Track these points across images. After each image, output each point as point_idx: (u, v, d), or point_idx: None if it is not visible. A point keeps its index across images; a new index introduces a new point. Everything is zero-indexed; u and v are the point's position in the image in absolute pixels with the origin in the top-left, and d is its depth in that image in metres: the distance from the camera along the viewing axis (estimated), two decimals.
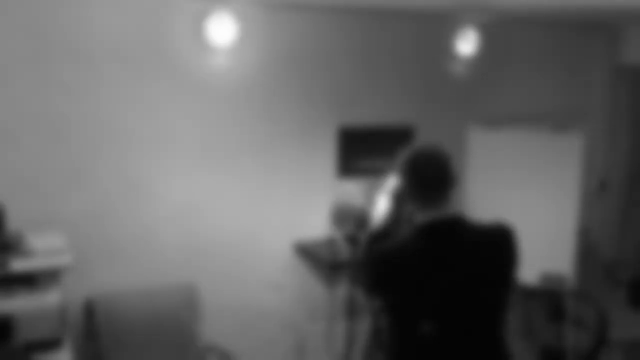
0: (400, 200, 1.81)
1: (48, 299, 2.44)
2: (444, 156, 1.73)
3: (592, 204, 4.38)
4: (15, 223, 2.71)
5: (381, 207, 1.89)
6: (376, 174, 3.62)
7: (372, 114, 3.75)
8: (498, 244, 1.76)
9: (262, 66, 3.37)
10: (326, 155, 3.63)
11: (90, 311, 2.98)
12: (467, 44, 3.96)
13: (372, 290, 1.74)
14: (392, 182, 1.88)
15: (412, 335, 1.69)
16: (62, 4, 2.84)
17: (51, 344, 2.43)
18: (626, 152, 4.74)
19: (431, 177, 1.69)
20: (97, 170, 3.02)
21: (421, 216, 1.71)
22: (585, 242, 4.08)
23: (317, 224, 3.59)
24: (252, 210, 3.44)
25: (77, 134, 2.96)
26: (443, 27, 3.92)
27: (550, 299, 4.05)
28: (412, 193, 1.72)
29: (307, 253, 3.52)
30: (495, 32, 4.08)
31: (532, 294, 4.06)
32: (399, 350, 1.74)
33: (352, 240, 2.60)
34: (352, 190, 3.43)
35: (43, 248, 2.50)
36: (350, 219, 2.55)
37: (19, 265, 2.39)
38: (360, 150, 3.69)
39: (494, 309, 1.77)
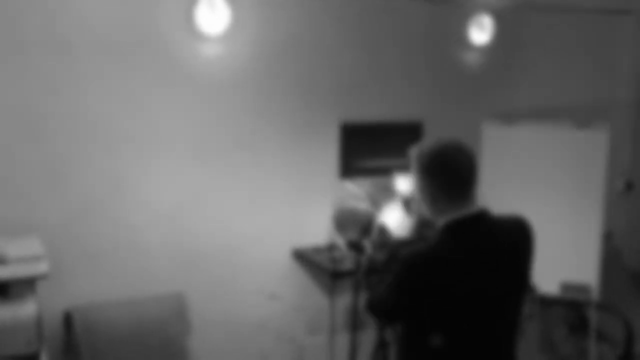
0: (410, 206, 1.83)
1: (23, 310, 2.42)
2: (470, 149, 1.75)
3: (617, 205, 4.36)
4: None
5: (393, 216, 1.91)
6: (382, 174, 3.61)
7: (377, 108, 3.74)
8: (522, 239, 1.82)
9: (257, 56, 3.36)
10: (327, 153, 3.62)
11: (68, 323, 2.97)
12: (481, 32, 3.95)
13: (397, 305, 1.74)
14: (403, 185, 1.88)
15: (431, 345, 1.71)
16: None
17: (27, 359, 2.42)
18: None
19: (464, 173, 1.71)
20: (77, 169, 3.01)
21: (445, 217, 1.73)
22: (610, 248, 4.07)
23: (317, 229, 3.58)
24: (247, 213, 3.43)
25: (55, 130, 2.95)
26: (454, 13, 3.90)
27: (571, 310, 4.04)
28: (437, 193, 1.73)
29: (306, 260, 3.52)
30: (512, 19, 4.06)
31: (552, 305, 4.05)
32: None
33: (355, 246, 2.59)
34: (356, 192, 3.42)
35: (17, 255, 2.48)
36: (355, 224, 2.53)
37: None
38: (364, 148, 3.69)
39: (516, 313, 1.82)
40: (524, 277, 1.82)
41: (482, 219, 1.75)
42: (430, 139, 1.79)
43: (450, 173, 1.71)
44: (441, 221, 1.75)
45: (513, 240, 1.79)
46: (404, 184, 1.94)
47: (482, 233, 1.73)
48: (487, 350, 1.76)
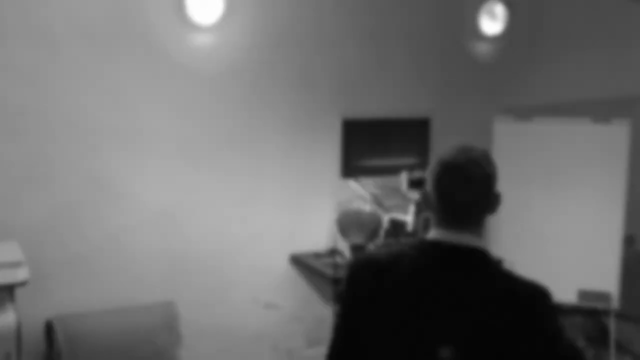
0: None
1: (1, 320, 2.41)
2: (480, 170, 1.50)
3: None
4: None
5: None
6: (387, 173, 3.60)
7: (381, 103, 3.74)
8: (522, 307, 1.47)
9: (253, 47, 3.35)
10: (328, 151, 3.62)
11: (50, 333, 2.96)
12: (493, 21, 3.95)
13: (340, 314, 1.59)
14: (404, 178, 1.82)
15: None
16: None
17: None
18: None
19: (455, 196, 1.49)
20: (58, 168, 3.00)
21: (430, 233, 1.55)
22: (631, 253, 4.06)
23: (317, 233, 3.57)
24: (241, 216, 3.42)
25: (34, 126, 2.94)
26: (464, 0, 3.90)
27: (590, 319, 4.03)
28: (431, 204, 1.55)
29: (306, 266, 3.51)
30: (526, 7, 4.06)
31: (569, 314, 4.04)
32: None
33: (359, 250, 2.58)
34: (360, 193, 3.41)
35: None
36: (360, 228, 2.52)
37: None
38: (368, 146, 3.68)
39: None
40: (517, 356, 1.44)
41: (472, 256, 1.50)
42: (463, 143, 1.55)
43: (444, 195, 1.50)
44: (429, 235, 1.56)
45: (508, 312, 1.45)
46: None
47: (462, 270, 1.49)
48: None
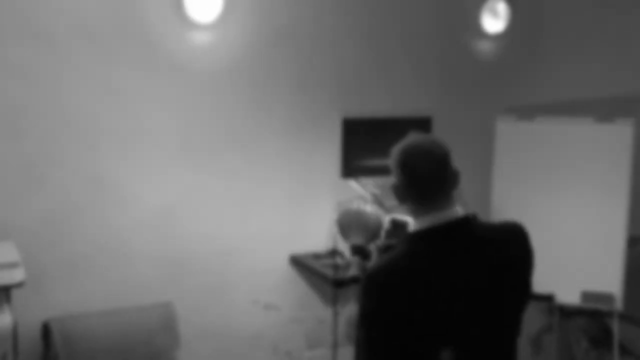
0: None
1: None
2: (440, 148, 1.73)
3: None
4: None
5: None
6: (387, 173, 3.59)
7: (382, 102, 3.73)
8: (514, 245, 1.79)
9: (252, 45, 3.35)
10: (328, 151, 3.61)
11: (47, 335, 2.96)
12: (495, 19, 3.94)
13: (369, 332, 1.66)
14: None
15: None
16: None
17: None
18: None
19: (426, 173, 1.69)
20: (55, 168, 3.00)
21: (418, 222, 1.70)
22: (635, 253, 4.05)
23: (317, 233, 3.57)
24: (241, 216, 3.42)
25: (31, 125, 2.94)
26: None
27: (593, 321, 4.02)
28: (405, 194, 1.72)
29: (306, 267, 3.51)
30: (529, 5, 4.05)
31: (572, 315, 4.04)
32: None
33: (360, 251, 2.57)
34: (360, 193, 3.40)
35: None
36: (361, 228, 2.51)
37: None
38: (368, 145, 3.68)
39: (512, 326, 1.78)
40: (524, 283, 1.78)
41: (462, 226, 1.69)
42: (408, 136, 1.80)
43: (411, 174, 1.70)
44: (415, 225, 1.72)
45: (506, 251, 1.75)
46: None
47: (461, 241, 1.68)
48: None
